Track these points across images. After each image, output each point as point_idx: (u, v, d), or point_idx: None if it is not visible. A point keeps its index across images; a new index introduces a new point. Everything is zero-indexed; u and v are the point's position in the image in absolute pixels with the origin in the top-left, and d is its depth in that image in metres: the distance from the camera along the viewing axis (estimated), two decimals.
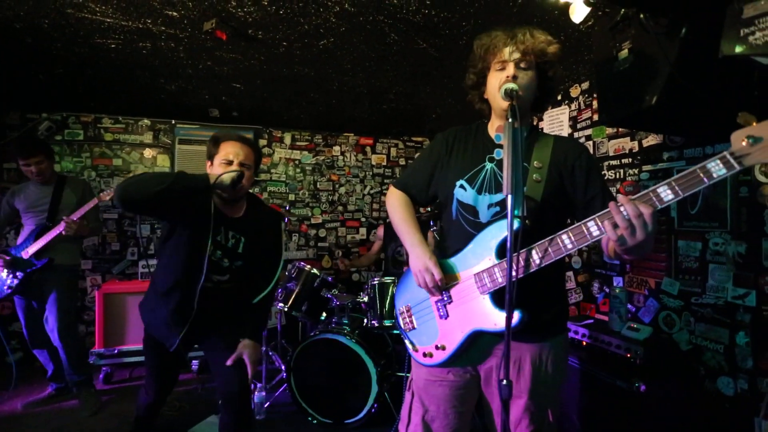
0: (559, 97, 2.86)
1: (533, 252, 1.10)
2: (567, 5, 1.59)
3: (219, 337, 1.77)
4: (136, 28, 2.26)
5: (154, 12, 2.09)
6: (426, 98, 3.48)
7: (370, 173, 4.55)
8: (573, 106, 2.76)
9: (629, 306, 2.27)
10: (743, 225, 1.77)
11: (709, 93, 1.44)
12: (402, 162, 4.65)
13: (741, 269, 1.78)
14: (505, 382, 1.00)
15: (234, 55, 2.62)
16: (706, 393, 1.85)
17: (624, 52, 1.58)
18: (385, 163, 4.60)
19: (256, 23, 2.21)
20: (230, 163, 1.68)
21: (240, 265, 1.77)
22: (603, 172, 2.50)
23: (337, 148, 4.41)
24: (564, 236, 1.06)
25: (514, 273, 1.05)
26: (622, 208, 0.94)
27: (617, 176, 2.40)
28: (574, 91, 2.74)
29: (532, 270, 1.10)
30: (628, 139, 2.34)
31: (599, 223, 1.00)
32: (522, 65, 1.21)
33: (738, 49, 1.20)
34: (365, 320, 2.56)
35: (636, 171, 2.28)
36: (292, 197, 4.24)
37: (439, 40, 2.43)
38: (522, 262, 1.10)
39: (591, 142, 2.60)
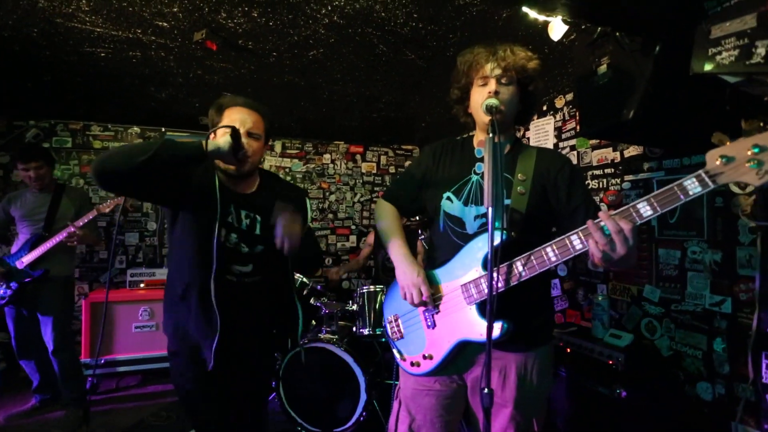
0: (545, 108, 2.92)
1: (517, 264, 1.13)
2: (546, 23, 1.65)
3: (246, 370, 1.49)
4: (126, 38, 2.27)
5: (144, 22, 2.10)
6: (416, 107, 3.53)
7: (360, 181, 4.58)
8: (558, 117, 2.82)
9: (613, 313, 2.32)
10: (719, 234, 1.83)
11: (683, 108, 1.50)
12: (392, 170, 4.69)
13: (717, 277, 1.83)
14: (486, 390, 1.02)
15: (224, 64, 2.65)
16: (686, 398, 1.89)
17: (603, 67, 1.64)
18: (375, 171, 4.64)
19: (246, 34, 2.24)
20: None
21: (262, 251, 1.49)
22: (587, 182, 2.56)
23: (327, 156, 4.43)
24: (548, 249, 1.08)
25: (499, 284, 1.08)
26: (602, 224, 0.97)
27: (600, 186, 2.46)
28: (559, 102, 2.80)
29: (516, 282, 1.13)
30: (610, 149, 2.40)
31: (582, 238, 1.03)
32: (503, 81, 1.25)
33: (707, 68, 1.25)
34: (354, 328, 2.57)
35: (618, 181, 2.34)
36: None
37: (427, 52, 2.47)
38: (506, 274, 1.13)
39: (575, 152, 2.66)
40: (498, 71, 1.25)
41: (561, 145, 2.79)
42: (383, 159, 4.63)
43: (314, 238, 1.72)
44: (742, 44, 1.16)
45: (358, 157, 4.58)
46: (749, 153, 0.84)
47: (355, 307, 2.62)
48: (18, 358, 2.73)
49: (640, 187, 2.21)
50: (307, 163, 4.36)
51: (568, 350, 1.99)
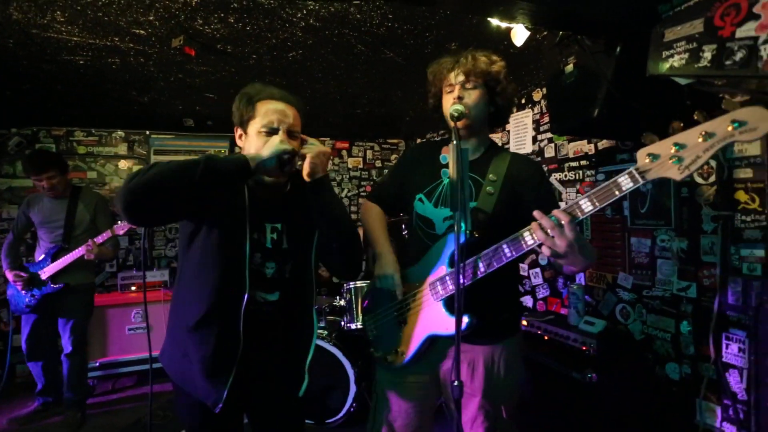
0: (523, 101, 2.98)
1: (479, 261, 1.20)
2: (509, 29, 1.69)
3: (269, 411, 1.31)
4: (104, 46, 2.28)
5: (121, 31, 2.11)
6: (398, 102, 3.56)
7: (347, 176, 4.62)
8: (536, 110, 2.88)
9: (590, 299, 2.42)
10: (685, 223, 1.92)
11: (644, 105, 1.57)
12: (378, 164, 4.74)
13: (684, 263, 1.92)
14: (456, 383, 1.09)
15: (205, 67, 2.66)
16: (656, 379, 2.00)
17: (570, 67, 1.70)
18: (361, 166, 4.68)
19: (224, 38, 2.26)
20: (274, 131, 1.17)
21: (291, 274, 1.27)
22: (564, 173, 2.63)
23: None
24: (504, 246, 1.16)
25: (462, 281, 1.15)
26: (546, 217, 1.05)
27: (577, 177, 2.54)
28: (537, 95, 2.86)
29: (478, 277, 1.20)
30: (585, 141, 2.47)
31: (532, 234, 1.11)
32: (468, 86, 1.32)
33: (661, 70, 1.31)
34: (342, 323, 2.65)
35: (593, 172, 2.41)
36: None
37: (405, 50, 2.51)
38: (469, 271, 1.20)
39: (553, 144, 2.73)
40: (461, 77, 1.31)
41: (539, 137, 2.85)
42: (369, 154, 4.67)
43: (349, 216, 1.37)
44: (691, 48, 1.23)
45: (344, 152, 4.61)
46: (672, 150, 0.92)
47: (342, 302, 2.69)
48: (27, 360, 2.78)
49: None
50: None
51: (546, 338, 2.09)
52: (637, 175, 0.97)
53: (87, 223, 2.73)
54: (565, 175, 2.62)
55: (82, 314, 2.74)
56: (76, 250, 2.61)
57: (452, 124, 1.23)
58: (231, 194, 1.18)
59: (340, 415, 2.51)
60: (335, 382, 2.53)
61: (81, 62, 2.47)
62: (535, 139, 2.88)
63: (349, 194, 4.63)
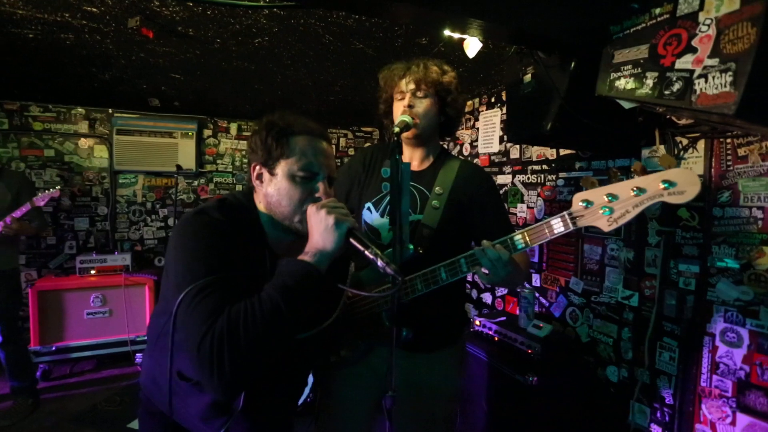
0: (492, 100, 2.98)
1: (417, 281, 1.19)
2: (462, 40, 1.67)
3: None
4: (54, 21, 2.15)
5: (71, 7, 1.99)
6: (372, 90, 3.50)
7: None
8: (504, 110, 2.88)
9: (544, 300, 2.50)
10: (633, 234, 1.98)
11: (597, 122, 1.58)
12: (351, 152, 4.69)
13: (629, 273, 2.00)
14: (390, 393, 1.12)
15: (167, 48, 2.55)
16: (597, 380, 2.10)
17: (528, 77, 1.69)
18: (334, 153, 4.61)
19: (184, 21, 2.16)
20: (312, 177, 0.99)
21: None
22: (527, 176, 2.67)
23: None
24: (441, 269, 1.16)
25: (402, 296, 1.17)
26: (485, 251, 1.05)
27: (538, 180, 2.57)
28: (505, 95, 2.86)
29: (417, 295, 1.20)
30: (548, 147, 2.50)
31: (467, 261, 1.11)
32: (418, 94, 1.31)
33: (608, 91, 1.33)
34: None
35: (554, 177, 2.45)
36: (239, 188, 4.21)
37: (374, 42, 2.45)
38: (408, 288, 1.21)
39: (518, 146, 2.75)
40: (412, 86, 1.30)
41: (506, 137, 2.87)
42: (342, 141, 4.61)
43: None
44: (636, 73, 1.24)
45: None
46: (605, 200, 0.93)
47: None
48: None
49: (571, 185, 2.33)
50: None
51: (496, 339, 2.15)
52: (569, 221, 0.99)
53: (7, 203, 2.59)
54: (528, 178, 2.65)
55: (7, 302, 2.63)
56: None
57: (402, 132, 1.22)
58: (247, 246, 0.97)
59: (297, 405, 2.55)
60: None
61: (30, 36, 2.33)
62: (502, 139, 2.89)
63: None
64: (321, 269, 0.89)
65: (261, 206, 1.04)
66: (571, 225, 0.98)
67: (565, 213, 0.99)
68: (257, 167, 1.02)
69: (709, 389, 1.68)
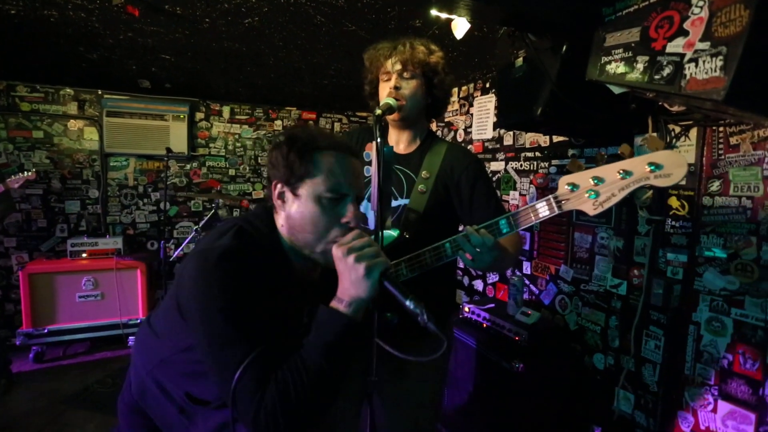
0: (487, 85, 2.93)
1: (402, 265, 1.19)
2: (450, 20, 1.63)
3: None
4: None
5: None
6: None
7: None
8: None
9: (534, 288, 2.50)
10: (623, 223, 1.97)
11: (588, 107, 1.55)
12: None
13: (618, 262, 1.99)
14: (373, 377, 1.11)
15: (155, 28, 2.49)
16: (584, 367, 2.11)
17: (519, 60, 1.65)
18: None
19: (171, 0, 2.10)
20: (341, 199, 0.93)
21: None
22: (520, 163, 2.64)
23: (279, 122, 4.32)
24: (426, 254, 1.14)
25: None
26: (470, 236, 1.04)
27: (531, 167, 2.55)
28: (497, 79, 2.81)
29: (403, 280, 1.19)
30: (541, 133, 2.47)
31: (452, 246, 1.10)
32: (405, 75, 1.28)
33: (598, 75, 1.29)
34: None
35: (546, 164, 2.43)
36: (232, 172, 4.17)
37: (367, 24, 2.40)
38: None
39: (512, 132, 2.72)
40: (398, 66, 1.27)
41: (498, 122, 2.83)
42: (337, 126, 4.55)
43: None
44: (627, 56, 1.21)
45: (311, 123, 4.49)
46: (591, 183, 0.91)
47: None
48: None
49: (564, 172, 2.31)
50: (258, 129, 4.24)
51: (485, 326, 2.16)
52: (554, 204, 0.96)
53: None
54: (521, 165, 2.62)
55: None
56: None
57: (387, 114, 1.20)
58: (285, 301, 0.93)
59: None
60: None
61: (12, 12, 2.27)
62: (496, 126, 2.85)
63: None
64: (359, 319, 0.85)
65: (283, 230, 0.97)
66: (556, 208, 0.96)
67: (550, 196, 0.97)
68: (278, 185, 0.94)
69: (693, 377, 1.69)
